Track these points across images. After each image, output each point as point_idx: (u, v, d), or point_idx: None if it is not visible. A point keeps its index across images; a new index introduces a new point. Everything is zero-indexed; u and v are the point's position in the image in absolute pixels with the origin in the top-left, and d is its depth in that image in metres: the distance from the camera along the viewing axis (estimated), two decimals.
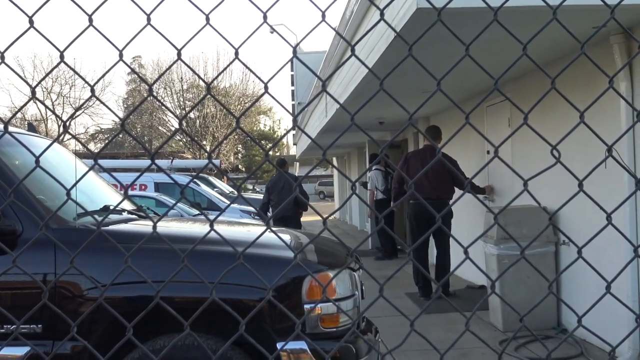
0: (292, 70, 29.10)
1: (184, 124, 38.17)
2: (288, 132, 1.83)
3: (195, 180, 17.70)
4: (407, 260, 2.07)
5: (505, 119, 9.55)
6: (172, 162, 19.98)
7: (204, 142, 42.21)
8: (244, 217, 15.07)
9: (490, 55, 7.09)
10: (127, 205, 5.17)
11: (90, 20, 1.48)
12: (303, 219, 13.32)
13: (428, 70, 1.60)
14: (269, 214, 12.23)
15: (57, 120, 45.23)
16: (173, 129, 45.85)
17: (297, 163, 33.90)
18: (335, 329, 3.89)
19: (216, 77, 1.86)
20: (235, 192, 21.37)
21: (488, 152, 10.33)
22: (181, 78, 44.52)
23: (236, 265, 1.70)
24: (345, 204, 2.27)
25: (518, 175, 1.52)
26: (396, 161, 16.15)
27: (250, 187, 46.23)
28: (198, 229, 4.82)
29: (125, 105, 57.56)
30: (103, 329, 3.70)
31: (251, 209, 16.27)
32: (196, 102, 31.12)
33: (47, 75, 1.72)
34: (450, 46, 6.46)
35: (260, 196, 22.24)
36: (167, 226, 4.61)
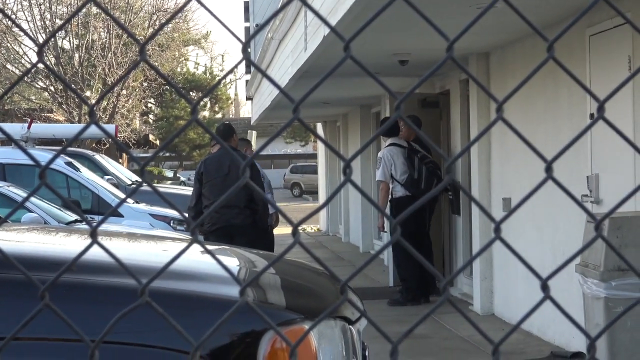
0: None
1: (51, 59, 24.79)
2: (233, 69, 1.39)
3: (70, 160, 11.41)
4: (439, 300, 1.19)
5: (623, 55, 5.61)
6: (29, 126, 12.61)
7: (88, 94, 25.69)
8: (158, 227, 9.61)
9: None
10: None
11: None
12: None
13: None
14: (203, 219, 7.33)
15: None
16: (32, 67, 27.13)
17: (254, 133, 19.79)
18: None
19: None
20: (142, 182, 12.77)
21: (592, 115, 6.00)
22: None
23: (134, 309, 1.04)
24: (332, 198, 1.35)
25: None
26: (431, 126, 9.92)
27: (170, 173, 32.24)
28: (74, 245, 3.37)
29: None
30: None
31: (171, 212, 10.65)
32: (71, 14, 19.24)
33: None
34: None
35: (187, 191, 12.90)
36: (20, 240, 3.24)
